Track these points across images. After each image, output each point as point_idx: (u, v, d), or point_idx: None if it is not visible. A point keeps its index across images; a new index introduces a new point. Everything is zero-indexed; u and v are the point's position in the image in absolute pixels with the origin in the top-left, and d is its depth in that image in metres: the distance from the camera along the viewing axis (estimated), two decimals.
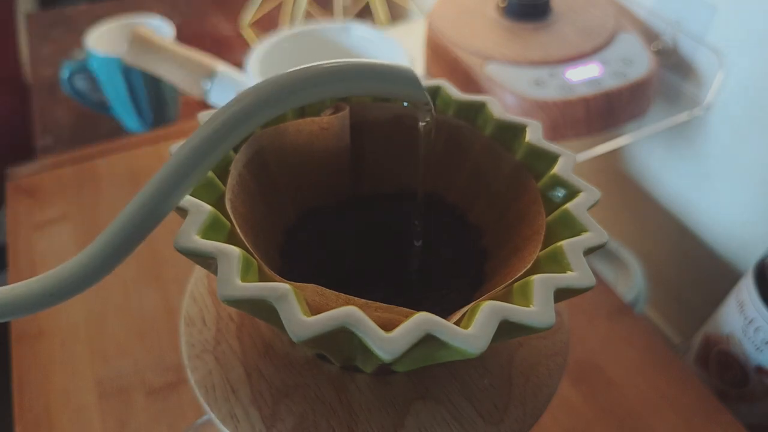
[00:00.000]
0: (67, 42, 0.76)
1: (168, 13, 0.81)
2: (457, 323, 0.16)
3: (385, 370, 0.21)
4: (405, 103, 0.22)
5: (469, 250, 0.24)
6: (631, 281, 0.56)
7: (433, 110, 0.21)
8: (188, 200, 0.18)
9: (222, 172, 0.21)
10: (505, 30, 0.50)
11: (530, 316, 0.16)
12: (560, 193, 0.22)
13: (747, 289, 0.37)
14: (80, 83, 0.60)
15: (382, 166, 0.26)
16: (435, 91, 0.25)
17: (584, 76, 0.46)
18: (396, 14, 0.86)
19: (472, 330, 0.15)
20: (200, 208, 0.18)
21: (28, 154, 0.61)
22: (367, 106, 0.25)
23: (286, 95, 0.17)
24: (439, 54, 0.51)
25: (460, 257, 0.25)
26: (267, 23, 0.79)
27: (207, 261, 0.17)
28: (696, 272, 0.56)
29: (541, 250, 0.20)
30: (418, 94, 0.20)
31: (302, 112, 0.25)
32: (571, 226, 0.20)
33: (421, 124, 0.22)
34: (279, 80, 0.17)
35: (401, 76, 0.19)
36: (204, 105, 0.64)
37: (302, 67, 0.18)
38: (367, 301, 0.17)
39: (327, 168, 0.25)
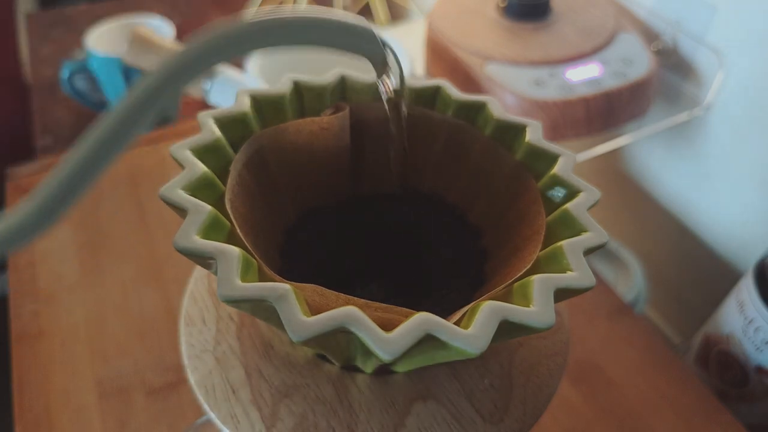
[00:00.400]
0: (67, 42, 0.76)
1: (168, 13, 0.81)
2: (457, 323, 0.16)
3: (385, 370, 0.21)
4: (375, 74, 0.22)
5: (469, 250, 0.24)
6: (631, 281, 0.56)
7: (393, 72, 0.21)
8: (188, 200, 0.18)
9: (222, 172, 0.21)
10: (505, 30, 0.50)
11: (530, 316, 0.16)
12: (560, 193, 0.22)
13: (747, 289, 0.37)
14: (80, 83, 0.60)
15: (382, 165, 0.26)
16: (435, 91, 0.25)
17: (584, 76, 0.46)
18: (396, 14, 0.86)
19: (472, 330, 0.15)
20: (200, 208, 0.18)
21: (28, 154, 0.61)
22: (367, 105, 0.25)
23: (240, 40, 0.17)
24: (439, 54, 0.51)
25: (460, 257, 0.25)
26: None
27: (207, 261, 0.17)
28: (696, 272, 0.56)
29: (541, 250, 0.20)
30: (374, 49, 0.20)
31: (302, 112, 0.25)
32: (571, 226, 0.20)
33: (383, 93, 0.21)
34: (237, 27, 0.17)
35: (357, 30, 0.19)
36: (204, 105, 0.64)
37: (260, 17, 0.18)
38: (367, 301, 0.17)
39: (327, 168, 0.25)
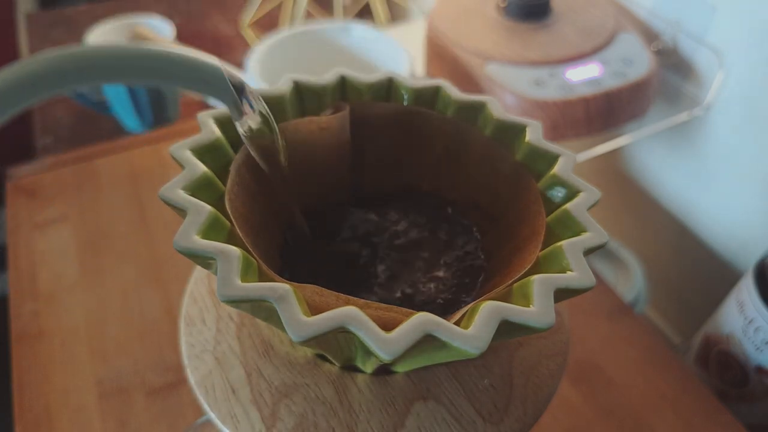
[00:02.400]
0: (67, 42, 0.76)
1: (168, 13, 0.81)
2: (457, 323, 0.16)
3: (385, 370, 0.21)
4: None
5: (469, 250, 0.24)
6: (631, 281, 0.56)
7: (248, 111, 0.19)
8: (188, 200, 0.18)
9: (222, 172, 0.21)
10: (505, 30, 0.50)
11: (530, 316, 0.16)
12: (560, 193, 0.22)
13: (747, 289, 0.37)
14: None
15: (383, 164, 0.26)
16: (435, 91, 0.25)
17: (584, 76, 0.46)
18: (396, 14, 0.86)
19: (472, 330, 0.15)
20: (200, 208, 0.18)
21: (28, 154, 0.61)
22: (367, 105, 0.25)
23: (59, 75, 0.15)
24: (439, 54, 0.51)
25: (460, 257, 0.25)
26: (267, 23, 0.79)
27: (207, 261, 0.17)
28: (696, 272, 0.56)
29: (541, 250, 0.20)
30: (223, 90, 0.18)
31: (302, 112, 0.25)
32: (571, 226, 0.20)
33: (242, 132, 0.20)
34: (72, 54, 0.15)
35: (206, 72, 0.17)
36: (204, 105, 0.64)
37: (107, 45, 0.16)
38: (367, 301, 0.17)
39: (327, 167, 0.25)
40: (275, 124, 0.21)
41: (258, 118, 0.20)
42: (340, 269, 0.24)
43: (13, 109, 0.15)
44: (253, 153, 0.21)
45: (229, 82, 0.18)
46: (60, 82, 0.15)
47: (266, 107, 0.20)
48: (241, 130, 0.20)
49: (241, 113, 0.19)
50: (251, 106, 0.19)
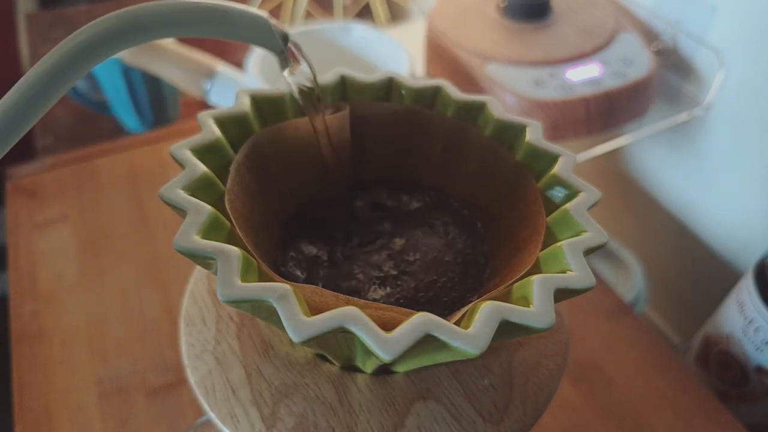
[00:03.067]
0: None
1: None
2: (457, 323, 0.16)
3: (385, 370, 0.21)
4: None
5: (470, 250, 0.24)
6: (631, 281, 0.56)
7: (300, 67, 0.21)
8: (188, 200, 0.18)
9: (222, 172, 0.21)
10: (505, 30, 0.50)
11: (530, 317, 0.16)
12: (560, 193, 0.22)
13: (747, 289, 0.37)
14: (80, 83, 0.60)
15: (383, 164, 0.26)
16: (435, 91, 0.25)
17: (584, 76, 0.46)
18: (396, 14, 0.86)
19: (472, 330, 0.15)
20: (200, 209, 0.18)
21: (28, 154, 0.61)
22: (367, 105, 0.25)
23: (132, 30, 0.17)
24: (439, 54, 0.51)
25: (460, 257, 0.25)
26: None
27: (207, 261, 0.17)
28: (696, 272, 0.56)
29: (541, 250, 0.20)
30: (270, 40, 0.20)
31: (303, 112, 0.25)
32: (571, 226, 0.20)
33: (292, 84, 0.22)
34: (133, 11, 0.17)
35: (252, 20, 0.19)
36: (204, 105, 0.64)
37: (154, 2, 0.17)
38: (367, 301, 0.17)
39: (327, 167, 0.25)
40: (316, 72, 0.22)
41: (300, 67, 0.22)
42: (338, 262, 0.24)
43: (83, 71, 0.16)
44: (297, 97, 0.22)
45: (275, 33, 0.20)
46: (129, 37, 0.17)
47: (308, 56, 0.22)
48: (287, 76, 0.22)
49: (286, 61, 0.21)
50: (294, 55, 0.21)
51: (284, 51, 0.21)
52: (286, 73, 0.22)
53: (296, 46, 0.21)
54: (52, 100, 0.16)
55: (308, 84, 0.22)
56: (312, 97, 0.22)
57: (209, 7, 0.18)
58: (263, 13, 0.20)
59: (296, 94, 0.22)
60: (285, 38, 0.21)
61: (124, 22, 0.17)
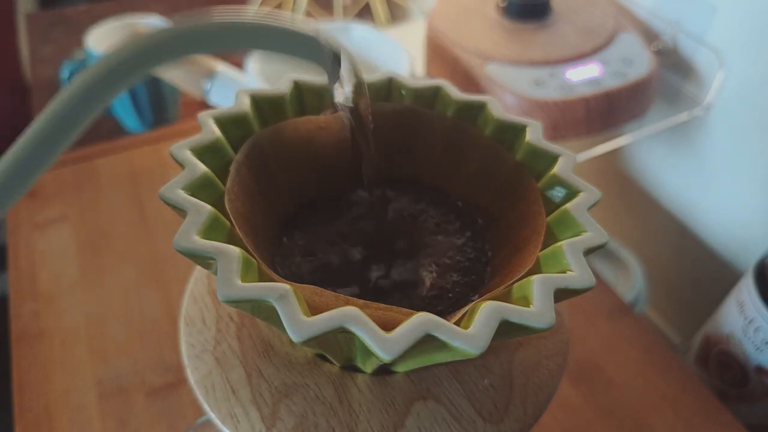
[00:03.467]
0: (67, 42, 0.76)
1: (168, 13, 0.81)
2: (457, 323, 0.16)
3: (385, 370, 0.21)
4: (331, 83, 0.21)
5: (470, 250, 0.24)
6: (631, 281, 0.56)
7: (346, 80, 0.21)
8: (188, 200, 0.18)
9: (222, 172, 0.21)
10: (505, 30, 0.50)
11: (530, 317, 0.16)
12: (560, 193, 0.22)
13: (747, 289, 0.37)
14: None
15: (383, 164, 0.26)
16: (435, 91, 0.25)
17: (584, 76, 0.46)
18: (396, 14, 0.86)
19: (472, 330, 0.15)
20: (200, 209, 0.18)
21: None
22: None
23: (186, 44, 0.17)
24: (439, 54, 0.51)
25: (460, 257, 0.25)
26: None
27: (207, 261, 0.17)
28: (696, 272, 0.56)
29: (541, 250, 0.20)
30: (319, 56, 0.20)
31: (303, 112, 0.25)
32: (571, 226, 0.20)
33: (339, 104, 0.21)
34: (184, 27, 0.17)
35: (301, 37, 0.19)
36: (204, 105, 0.64)
37: (204, 20, 0.17)
38: (367, 301, 0.17)
39: (327, 167, 0.25)
40: (367, 90, 0.22)
41: (351, 84, 0.21)
42: (340, 265, 0.24)
43: (134, 79, 0.17)
44: (346, 114, 0.22)
45: (325, 47, 0.20)
46: (181, 51, 0.17)
47: (361, 73, 0.21)
48: (336, 94, 0.21)
49: (336, 78, 0.21)
50: (346, 74, 0.21)
51: (333, 67, 0.20)
52: (335, 87, 0.21)
53: (348, 58, 0.20)
54: (122, 86, 0.17)
55: (352, 95, 0.21)
56: (356, 110, 0.22)
57: (258, 26, 0.18)
58: (313, 32, 0.19)
59: (342, 107, 0.22)
60: (338, 56, 0.20)
61: (181, 38, 0.17)
